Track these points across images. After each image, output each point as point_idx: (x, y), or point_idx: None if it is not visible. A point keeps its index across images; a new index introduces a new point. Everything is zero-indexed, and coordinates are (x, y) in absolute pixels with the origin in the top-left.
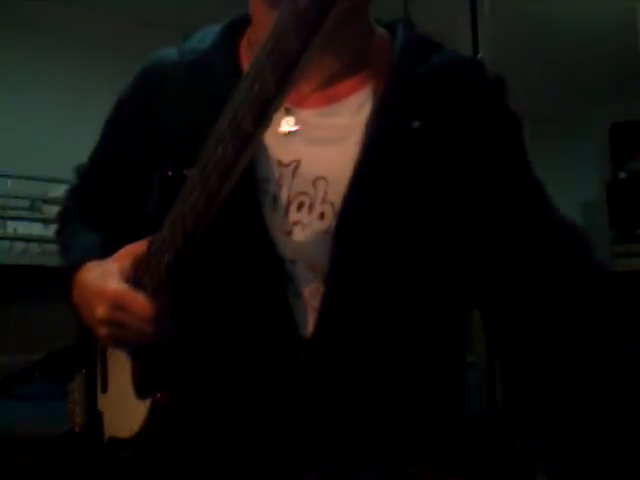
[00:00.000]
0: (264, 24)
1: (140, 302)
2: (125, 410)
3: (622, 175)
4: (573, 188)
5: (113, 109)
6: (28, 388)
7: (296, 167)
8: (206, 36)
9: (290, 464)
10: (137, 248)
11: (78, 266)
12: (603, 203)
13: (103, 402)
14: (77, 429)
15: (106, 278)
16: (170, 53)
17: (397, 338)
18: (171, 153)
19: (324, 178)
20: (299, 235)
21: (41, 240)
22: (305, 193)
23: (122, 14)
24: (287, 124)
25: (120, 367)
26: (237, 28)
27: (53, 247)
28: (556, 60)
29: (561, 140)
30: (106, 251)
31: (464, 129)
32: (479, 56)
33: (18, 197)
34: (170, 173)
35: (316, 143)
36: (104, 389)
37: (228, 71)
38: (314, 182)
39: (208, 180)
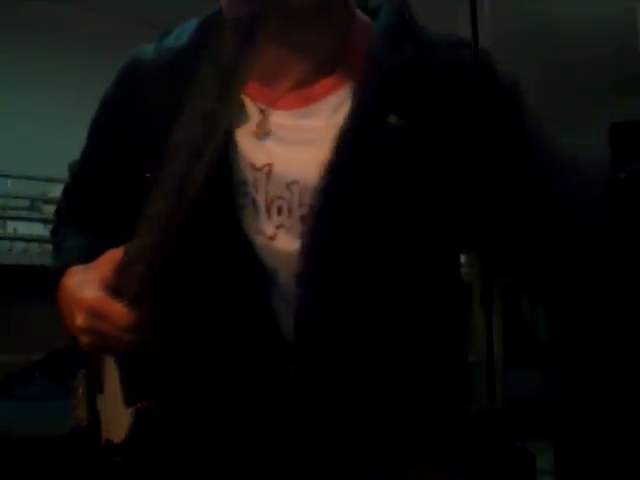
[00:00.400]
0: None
1: (117, 311)
2: (118, 414)
3: (622, 175)
4: None
5: (98, 108)
6: (28, 388)
7: (269, 171)
8: (183, 33)
9: (287, 474)
10: (118, 253)
11: (63, 270)
12: None
13: (100, 402)
14: (82, 425)
15: (85, 286)
16: (149, 50)
17: (387, 338)
18: (150, 154)
19: (297, 182)
20: (283, 239)
21: (41, 240)
22: (281, 197)
23: (122, 14)
24: (261, 126)
25: (112, 369)
26: (215, 23)
27: None
28: (556, 60)
29: (561, 140)
30: (93, 254)
31: (452, 115)
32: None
33: (18, 197)
34: (148, 175)
35: (290, 146)
36: (100, 390)
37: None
38: (288, 186)
39: (167, 193)
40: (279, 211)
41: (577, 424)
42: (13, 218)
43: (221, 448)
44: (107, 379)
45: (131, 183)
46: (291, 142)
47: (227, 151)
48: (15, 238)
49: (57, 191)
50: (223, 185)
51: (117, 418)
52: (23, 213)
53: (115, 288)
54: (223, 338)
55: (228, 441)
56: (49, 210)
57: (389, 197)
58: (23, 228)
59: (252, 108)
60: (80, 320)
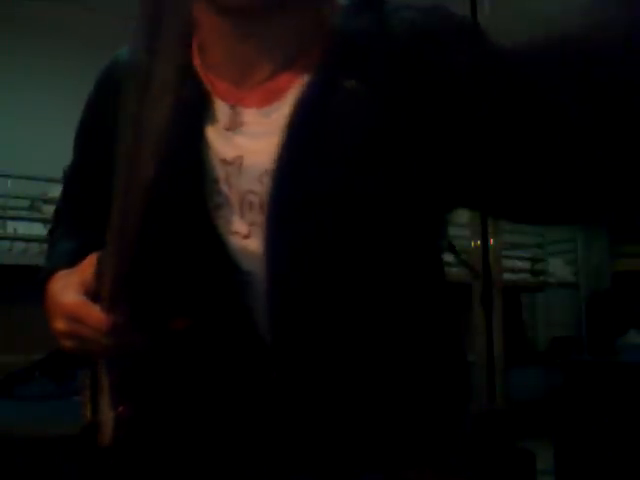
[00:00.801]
0: (209, 28)
1: (94, 315)
2: (108, 416)
3: None
4: None
5: (82, 111)
6: (28, 388)
7: (240, 164)
8: None
9: (273, 472)
10: (93, 260)
11: (51, 274)
12: None
13: (102, 403)
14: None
15: (65, 291)
16: (125, 52)
17: (367, 335)
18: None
19: (268, 172)
20: (255, 237)
21: (41, 240)
22: (253, 191)
23: (122, 14)
24: (231, 122)
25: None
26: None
27: None
28: None
29: None
30: (81, 257)
31: (414, 76)
32: None
33: (18, 197)
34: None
35: (259, 137)
36: (100, 390)
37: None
38: (260, 178)
39: (118, 194)
40: (250, 207)
41: (577, 424)
42: (13, 218)
43: (204, 454)
44: (103, 381)
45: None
46: (260, 134)
47: (198, 150)
48: (15, 238)
49: (57, 191)
50: (196, 185)
51: (108, 421)
52: (23, 213)
53: (94, 292)
54: (202, 342)
55: (211, 447)
56: (49, 210)
57: (352, 171)
58: (23, 228)
59: (221, 106)
60: (59, 324)
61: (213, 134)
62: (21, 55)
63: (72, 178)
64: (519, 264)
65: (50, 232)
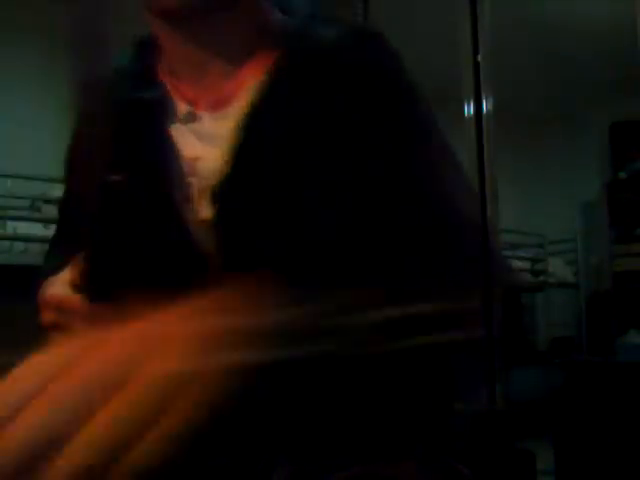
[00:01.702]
0: (162, 33)
1: (75, 303)
2: None
3: (622, 175)
4: (573, 188)
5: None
6: None
7: (197, 164)
8: (125, 53)
9: (255, 465)
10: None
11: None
12: (603, 203)
13: None
14: None
15: (51, 287)
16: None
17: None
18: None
19: (215, 171)
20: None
21: (41, 240)
22: (209, 188)
23: (122, 15)
24: (187, 123)
25: None
26: (152, 42)
27: None
28: (556, 60)
29: (561, 140)
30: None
31: (334, 107)
32: (479, 57)
33: (18, 197)
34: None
35: (210, 141)
36: None
37: (139, 75)
38: (211, 174)
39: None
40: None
41: (577, 424)
42: (13, 218)
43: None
44: None
45: None
46: (212, 139)
47: (164, 146)
48: (15, 238)
49: (57, 191)
50: (164, 178)
51: None
52: (23, 213)
53: (79, 286)
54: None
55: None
56: (49, 210)
57: (286, 184)
58: (23, 228)
59: (181, 107)
60: (47, 315)
61: (175, 132)
62: (21, 55)
63: (63, 202)
64: (519, 264)
65: (47, 253)
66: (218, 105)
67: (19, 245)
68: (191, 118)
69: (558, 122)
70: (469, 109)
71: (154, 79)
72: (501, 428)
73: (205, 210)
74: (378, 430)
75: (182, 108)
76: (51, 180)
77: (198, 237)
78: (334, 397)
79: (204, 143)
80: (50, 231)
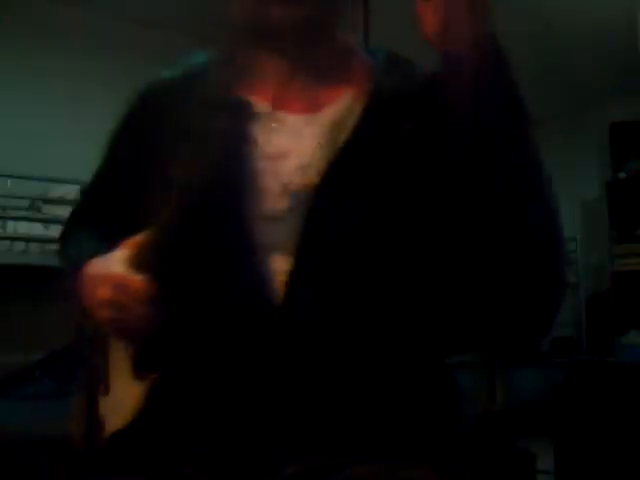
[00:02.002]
0: (247, 61)
1: (138, 283)
2: (123, 400)
3: (622, 175)
4: (573, 188)
5: (120, 120)
6: (28, 388)
7: (281, 159)
8: (199, 58)
9: (268, 457)
10: (140, 239)
11: (82, 264)
12: (603, 203)
13: (104, 405)
14: (71, 434)
15: (111, 264)
16: (163, 77)
17: (376, 325)
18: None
19: (303, 167)
20: (290, 221)
21: (41, 240)
22: (292, 182)
23: (122, 14)
24: (270, 122)
25: (120, 366)
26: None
27: (53, 247)
28: (556, 60)
29: (561, 140)
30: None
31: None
32: None
33: (18, 197)
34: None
35: (297, 138)
36: (106, 391)
37: (221, 78)
38: (297, 171)
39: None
40: (291, 195)
41: (577, 424)
42: (13, 218)
43: (206, 424)
44: (113, 377)
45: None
46: (298, 136)
47: (246, 145)
48: (15, 238)
49: (57, 191)
50: (240, 175)
51: (123, 406)
52: (23, 213)
53: (139, 266)
54: (218, 308)
55: (212, 418)
56: (49, 210)
57: (387, 195)
58: (23, 228)
59: (264, 109)
60: (104, 292)
61: (257, 132)
62: (21, 55)
63: (100, 183)
64: None
65: (66, 232)
66: (305, 110)
67: (19, 245)
68: (274, 118)
69: (558, 122)
70: None
71: (232, 78)
72: (501, 428)
73: (281, 202)
74: (391, 427)
75: (262, 107)
76: (51, 180)
77: (264, 229)
78: (350, 390)
79: (287, 139)
80: (50, 231)
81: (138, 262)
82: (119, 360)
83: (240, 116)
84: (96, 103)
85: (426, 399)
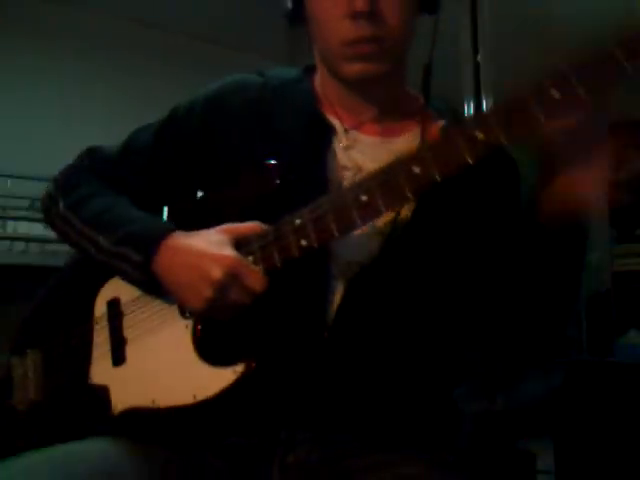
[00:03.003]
0: (330, 86)
1: (254, 274)
2: (172, 380)
3: (622, 175)
4: None
5: (174, 116)
6: None
7: (356, 172)
8: (290, 71)
9: (278, 439)
10: (238, 228)
11: (163, 233)
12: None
13: (110, 375)
14: (20, 407)
15: (222, 246)
16: (252, 78)
17: (409, 338)
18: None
19: None
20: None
21: (41, 240)
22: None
23: (122, 14)
24: (347, 140)
25: (151, 340)
26: (312, 70)
27: (53, 247)
28: (556, 60)
29: None
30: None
31: (483, 185)
32: (479, 57)
33: (18, 197)
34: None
35: (371, 158)
36: (118, 362)
37: (308, 95)
38: None
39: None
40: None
41: (577, 424)
42: (13, 218)
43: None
44: (135, 348)
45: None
46: (372, 155)
47: (326, 158)
48: (15, 238)
49: None
50: (326, 182)
51: (172, 381)
52: (23, 213)
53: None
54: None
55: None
56: None
57: (447, 236)
58: (23, 228)
59: (341, 130)
60: (217, 273)
61: (336, 147)
62: (21, 55)
63: (145, 164)
64: None
65: (71, 176)
66: (379, 134)
67: (19, 245)
68: (350, 137)
69: None
70: (469, 109)
71: (316, 97)
72: (501, 428)
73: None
74: (400, 423)
75: (341, 129)
76: (51, 180)
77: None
78: (370, 387)
79: (361, 156)
80: (50, 231)
81: (245, 249)
82: (143, 329)
83: (322, 129)
84: (96, 103)
85: (430, 400)
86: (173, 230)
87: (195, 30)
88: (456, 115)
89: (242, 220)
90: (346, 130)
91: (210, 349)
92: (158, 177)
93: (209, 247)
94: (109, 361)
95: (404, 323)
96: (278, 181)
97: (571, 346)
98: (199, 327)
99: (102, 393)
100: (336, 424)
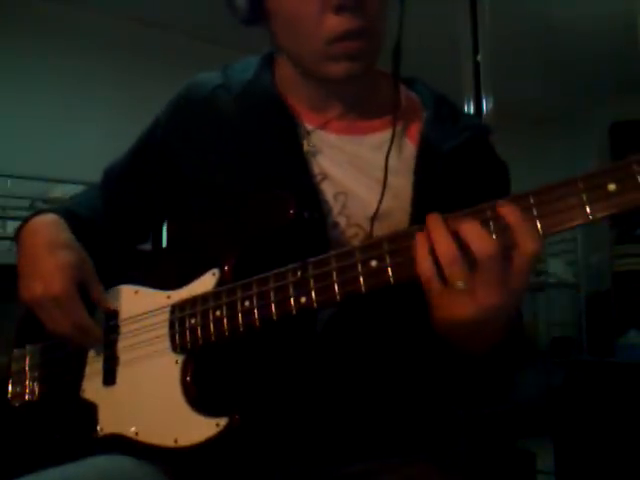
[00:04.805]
0: (293, 83)
1: (79, 312)
2: (156, 415)
3: None
4: None
5: (150, 128)
6: None
7: (321, 180)
8: (248, 66)
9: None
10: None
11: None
12: None
13: (100, 394)
14: (17, 404)
15: (63, 269)
16: (212, 76)
17: (401, 349)
18: (202, 179)
19: (344, 194)
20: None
21: None
22: (327, 202)
23: (122, 14)
24: (310, 144)
25: (141, 368)
26: (271, 60)
27: None
28: (556, 60)
29: (561, 140)
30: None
31: (478, 180)
32: (479, 57)
33: (18, 197)
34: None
35: (337, 163)
36: (108, 381)
37: (270, 99)
38: (335, 196)
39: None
40: (342, 210)
41: (577, 424)
42: (13, 218)
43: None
44: (126, 372)
45: (159, 203)
46: (338, 161)
47: (298, 157)
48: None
49: (57, 191)
50: (300, 182)
51: (156, 420)
52: (23, 213)
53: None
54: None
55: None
56: None
57: None
58: None
59: (304, 129)
60: (39, 291)
61: (296, 151)
62: (21, 55)
63: (122, 174)
64: None
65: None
66: (347, 131)
67: None
68: (313, 137)
69: (558, 122)
70: (469, 109)
71: (280, 98)
72: (501, 428)
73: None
74: (388, 426)
75: (304, 128)
76: (51, 180)
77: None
78: (347, 393)
79: (326, 162)
80: None
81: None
82: (136, 355)
83: (289, 126)
84: (96, 103)
85: (427, 400)
86: (56, 215)
87: (195, 30)
88: (444, 102)
89: (240, 244)
90: (309, 132)
91: (197, 393)
92: (144, 192)
93: (49, 261)
94: (100, 378)
95: (396, 334)
96: (292, 211)
97: (571, 346)
98: (190, 367)
99: (91, 410)
100: (332, 450)
